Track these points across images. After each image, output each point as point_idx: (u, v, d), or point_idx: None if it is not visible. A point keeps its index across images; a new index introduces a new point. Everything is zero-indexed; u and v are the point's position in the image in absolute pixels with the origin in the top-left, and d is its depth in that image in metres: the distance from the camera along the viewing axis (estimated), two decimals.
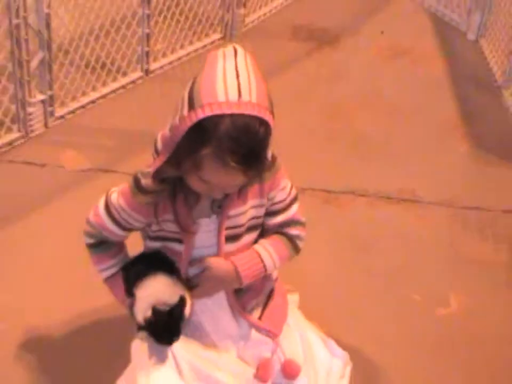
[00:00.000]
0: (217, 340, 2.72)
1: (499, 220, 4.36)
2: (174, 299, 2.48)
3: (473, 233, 4.25)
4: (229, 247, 2.56)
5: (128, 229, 2.58)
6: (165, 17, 5.32)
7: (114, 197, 2.51)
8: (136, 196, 2.45)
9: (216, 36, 5.79)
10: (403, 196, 4.45)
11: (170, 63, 5.42)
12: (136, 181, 2.44)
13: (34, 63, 4.41)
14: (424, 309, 3.75)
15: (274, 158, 2.50)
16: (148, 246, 2.67)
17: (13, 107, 4.44)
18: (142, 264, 2.61)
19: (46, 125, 4.63)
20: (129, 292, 2.59)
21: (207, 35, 5.73)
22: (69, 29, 4.72)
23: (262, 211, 2.58)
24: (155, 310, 2.46)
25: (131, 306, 2.57)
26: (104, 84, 5.01)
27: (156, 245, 2.62)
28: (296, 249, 2.71)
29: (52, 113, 4.65)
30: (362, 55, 5.87)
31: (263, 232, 2.67)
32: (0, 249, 3.84)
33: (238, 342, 2.74)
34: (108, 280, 2.67)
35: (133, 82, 5.14)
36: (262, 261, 2.58)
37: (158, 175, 2.37)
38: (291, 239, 2.68)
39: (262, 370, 2.73)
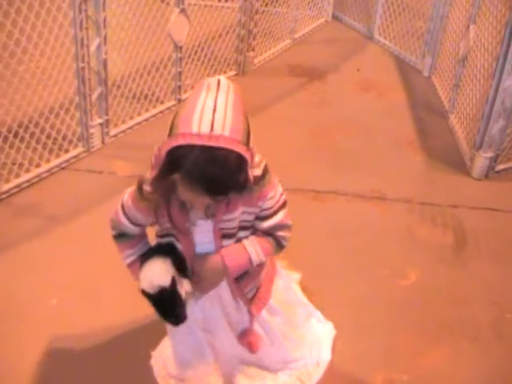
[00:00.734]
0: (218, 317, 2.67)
1: (446, 212, 4.32)
2: (165, 281, 2.30)
3: (426, 223, 4.22)
4: (226, 242, 2.41)
5: (137, 225, 2.43)
6: (193, 59, 5.29)
7: (126, 198, 2.39)
8: (139, 200, 2.32)
9: (232, 73, 5.74)
10: (373, 194, 4.41)
11: None
12: (139, 187, 2.30)
13: (94, 96, 4.43)
14: (390, 281, 3.74)
15: (264, 173, 2.29)
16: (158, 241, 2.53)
17: (79, 129, 4.45)
18: (154, 252, 2.43)
19: (103, 142, 4.63)
20: None
21: (225, 72, 5.68)
22: (120, 69, 4.75)
23: (252, 215, 2.40)
24: (142, 291, 2.33)
25: None
26: (147, 110, 5.00)
27: (164, 240, 2.49)
28: (280, 247, 2.52)
29: (107, 133, 4.65)
30: (343, 88, 5.80)
31: (254, 231, 2.50)
32: (71, 238, 3.84)
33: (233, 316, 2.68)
34: (129, 265, 2.51)
35: (168, 108, 5.12)
36: (248, 254, 2.41)
37: (153, 185, 2.20)
38: (277, 239, 2.48)
39: (241, 337, 2.71)
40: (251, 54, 5.84)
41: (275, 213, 2.41)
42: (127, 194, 2.39)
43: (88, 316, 3.32)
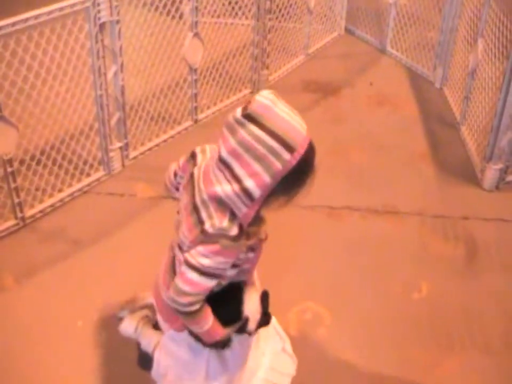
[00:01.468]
0: None
1: (458, 224, 4.40)
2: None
3: (438, 235, 4.31)
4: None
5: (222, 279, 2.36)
6: (207, 80, 5.40)
7: (207, 261, 2.21)
8: (240, 244, 2.22)
9: (247, 91, 5.83)
10: (386, 209, 4.50)
11: (213, 113, 5.46)
12: (229, 237, 2.18)
13: (113, 121, 4.55)
14: (403, 295, 3.85)
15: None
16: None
17: (99, 153, 4.58)
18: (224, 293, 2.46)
19: (123, 165, 4.74)
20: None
21: (240, 90, 5.78)
22: (137, 94, 4.85)
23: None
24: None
25: None
26: (164, 131, 5.09)
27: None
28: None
29: (127, 156, 4.76)
30: (356, 102, 5.86)
31: None
32: (94, 261, 3.97)
33: None
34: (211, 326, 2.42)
35: (185, 129, 5.22)
36: None
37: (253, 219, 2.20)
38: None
39: None
40: (265, 72, 5.92)
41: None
42: (205, 258, 2.22)
43: (111, 335, 3.44)
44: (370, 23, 7.02)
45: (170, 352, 2.69)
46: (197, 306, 2.30)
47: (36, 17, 3.80)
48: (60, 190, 4.43)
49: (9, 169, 4.00)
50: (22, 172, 4.17)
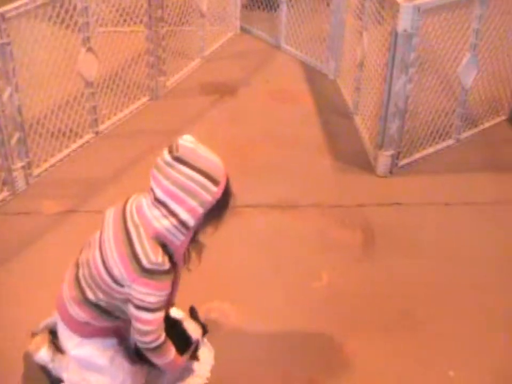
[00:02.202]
0: None
1: (355, 212, 4.60)
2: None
3: (336, 224, 4.49)
4: None
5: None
6: (106, 92, 5.47)
7: (152, 298, 2.53)
8: (170, 275, 2.56)
9: (146, 98, 5.94)
10: (286, 203, 4.67)
11: (114, 123, 5.55)
12: (164, 271, 2.51)
13: (13, 141, 4.59)
14: (305, 284, 4.01)
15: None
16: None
17: (2, 174, 4.60)
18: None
19: (27, 183, 4.78)
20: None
21: (139, 99, 5.89)
22: (35, 112, 4.87)
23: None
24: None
25: None
26: (66, 146, 5.15)
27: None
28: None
29: (30, 174, 4.80)
30: (254, 100, 6.02)
31: None
32: (4, 281, 3.97)
33: None
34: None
35: (87, 142, 5.30)
36: None
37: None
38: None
39: None
40: (162, 78, 6.04)
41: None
42: (152, 296, 2.54)
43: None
44: (264, 19, 7.19)
45: (77, 370, 2.89)
46: (162, 339, 2.66)
47: None
48: None
49: None
50: None
